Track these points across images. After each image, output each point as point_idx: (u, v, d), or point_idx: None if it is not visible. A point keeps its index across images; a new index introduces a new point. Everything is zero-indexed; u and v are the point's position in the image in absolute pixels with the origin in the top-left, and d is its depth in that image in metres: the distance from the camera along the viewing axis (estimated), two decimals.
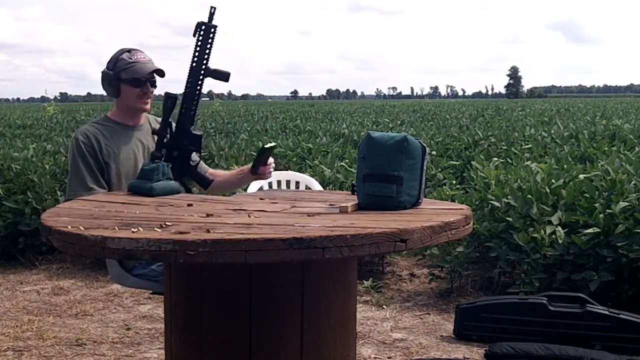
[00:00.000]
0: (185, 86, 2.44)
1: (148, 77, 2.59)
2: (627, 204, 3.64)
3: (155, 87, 2.65)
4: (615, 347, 3.10)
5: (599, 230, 3.59)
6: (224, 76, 2.44)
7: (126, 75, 2.56)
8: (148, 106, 2.65)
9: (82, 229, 1.61)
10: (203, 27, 2.36)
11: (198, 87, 2.43)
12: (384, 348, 3.36)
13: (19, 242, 5.09)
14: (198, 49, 2.38)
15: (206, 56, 2.39)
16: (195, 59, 2.38)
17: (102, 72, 2.60)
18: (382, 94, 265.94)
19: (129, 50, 2.60)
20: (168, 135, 2.50)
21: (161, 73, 2.62)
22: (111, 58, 2.60)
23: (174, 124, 2.54)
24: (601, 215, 3.63)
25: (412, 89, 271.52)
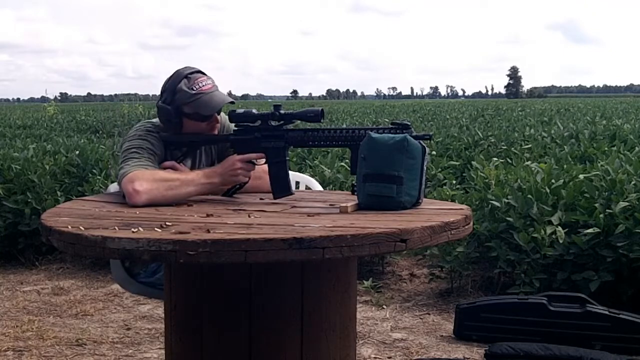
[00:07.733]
0: None
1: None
2: (627, 204, 3.64)
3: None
4: (615, 347, 3.10)
5: (599, 230, 3.59)
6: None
7: (190, 110, 2.15)
8: (215, 131, 2.25)
9: (82, 229, 1.61)
10: None
11: None
12: (384, 348, 3.36)
13: (19, 242, 5.08)
14: None
15: None
16: None
17: (159, 107, 2.17)
18: (382, 94, 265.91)
19: (186, 77, 2.16)
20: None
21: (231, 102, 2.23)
22: (166, 88, 2.16)
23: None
24: (601, 215, 3.63)
25: (412, 89, 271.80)
